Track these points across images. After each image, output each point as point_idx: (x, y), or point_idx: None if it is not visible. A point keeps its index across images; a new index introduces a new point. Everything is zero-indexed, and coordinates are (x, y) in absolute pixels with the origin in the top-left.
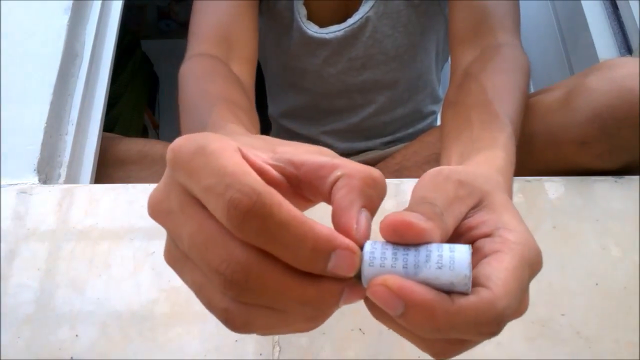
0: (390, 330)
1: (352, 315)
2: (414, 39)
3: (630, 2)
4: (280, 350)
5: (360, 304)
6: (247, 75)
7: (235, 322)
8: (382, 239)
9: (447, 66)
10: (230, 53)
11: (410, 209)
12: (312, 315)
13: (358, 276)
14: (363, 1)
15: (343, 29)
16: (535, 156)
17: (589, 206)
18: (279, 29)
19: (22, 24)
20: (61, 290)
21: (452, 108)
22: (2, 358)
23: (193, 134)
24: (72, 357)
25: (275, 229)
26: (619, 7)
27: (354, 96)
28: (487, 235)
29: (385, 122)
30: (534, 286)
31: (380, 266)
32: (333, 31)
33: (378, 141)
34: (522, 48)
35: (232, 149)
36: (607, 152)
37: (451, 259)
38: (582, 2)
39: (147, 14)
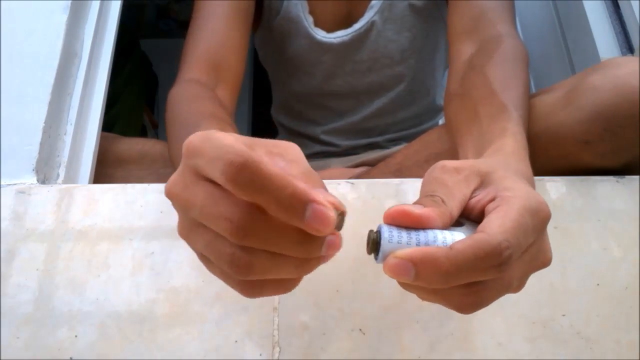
0: (390, 330)
1: (352, 315)
2: (418, 44)
3: (631, 1)
4: (280, 351)
5: (361, 305)
6: (230, 99)
7: (239, 264)
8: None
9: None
10: (217, 79)
11: (417, 202)
12: (301, 263)
13: (376, 250)
14: (367, 7)
15: (349, 34)
16: (539, 155)
17: (590, 206)
18: (287, 38)
19: (21, 23)
20: (60, 290)
21: (458, 101)
22: (1, 358)
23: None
24: (71, 358)
25: (261, 179)
26: (621, 6)
27: (361, 97)
28: (492, 201)
29: (387, 123)
30: (534, 286)
31: (398, 243)
32: (340, 36)
33: (380, 138)
34: (520, 38)
35: (230, 135)
36: (610, 151)
37: (452, 239)
38: (583, 1)
39: (146, 13)
